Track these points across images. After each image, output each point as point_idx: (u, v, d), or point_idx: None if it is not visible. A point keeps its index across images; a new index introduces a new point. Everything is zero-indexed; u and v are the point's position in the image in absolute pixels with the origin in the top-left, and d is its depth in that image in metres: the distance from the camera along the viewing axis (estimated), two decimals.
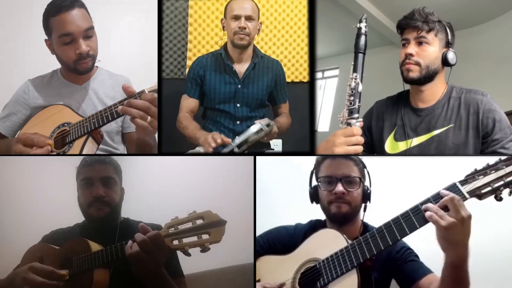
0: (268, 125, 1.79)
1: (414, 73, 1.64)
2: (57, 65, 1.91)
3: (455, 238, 1.18)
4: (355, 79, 1.54)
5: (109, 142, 1.90)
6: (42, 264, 1.42)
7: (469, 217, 1.19)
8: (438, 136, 1.65)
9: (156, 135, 1.79)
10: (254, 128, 1.79)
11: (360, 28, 1.55)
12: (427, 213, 1.22)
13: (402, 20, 1.67)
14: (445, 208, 1.21)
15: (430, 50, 1.64)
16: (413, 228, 1.26)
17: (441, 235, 1.20)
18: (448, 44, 1.66)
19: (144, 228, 1.34)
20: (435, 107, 1.68)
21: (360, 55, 1.55)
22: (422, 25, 1.62)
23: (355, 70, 1.55)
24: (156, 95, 1.56)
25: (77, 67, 1.82)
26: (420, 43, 1.63)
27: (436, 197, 1.26)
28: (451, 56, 1.65)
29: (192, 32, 2.17)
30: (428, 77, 1.65)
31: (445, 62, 1.65)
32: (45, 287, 1.38)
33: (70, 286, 1.41)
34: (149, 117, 1.53)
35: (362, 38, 1.55)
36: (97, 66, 1.95)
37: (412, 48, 1.63)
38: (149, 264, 1.29)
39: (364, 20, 1.55)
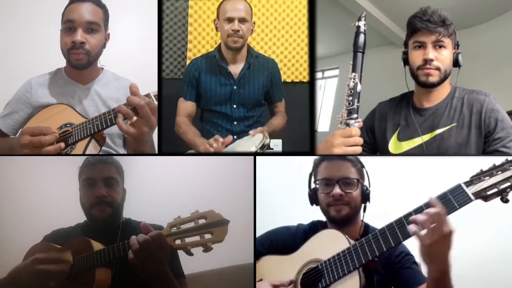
0: (262, 146, 1.77)
1: (434, 77, 1.63)
2: (60, 64, 1.90)
3: (436, 252, 1.19)
4: (354, 79, 1.53)
5: (111, 144, 1.88)
6: (44, 253, 1.41)
7: (451, 232, 1.18)
8: (441, 135, 1.64)
9: (156, 136, 1.79)
10: (251, 149, 1.75)
11: (359, 27, 1.53)
12: (411, 227, 1.21)
13: (418, 22, 1.62)
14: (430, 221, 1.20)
15: (446, 54, 1.62)
16: None
17: (423, 250, 1.20)
18: (456, 45, 1.66)
19: (146, 227, 1.34)
20: (438, 107, 1.68)
21: (359, 54, 1.53)
22: (442, 29, 1.59)
23: (354, 70, 1.53)
24: (143, 102, 1.54)
25: (69, 58, 1.81)
26: (438, 46, 1.61)
27: (428, 205, 1.25)
28: (460, 57, 1.65)
29: (192, 32, 2.17)
30: (444, 79, 1.65)
31: (455, 63, 1.65)
32: (53, 275, 1.38)
33: (72, 285, 1.40)
34: (134, 117, 1.54)
35: (361, 37, 1.52)
36: (102, 68, 1.94)
37: (432, 53, 1.61)
38: (152, 265, 1.29)
39: (363, 19, 1.53)
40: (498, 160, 1.26)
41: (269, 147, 1.83)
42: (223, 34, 1.93)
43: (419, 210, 1.26)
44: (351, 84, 1.53)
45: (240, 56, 1.97)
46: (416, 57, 1.65)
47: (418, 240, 1.20)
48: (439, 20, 1.59)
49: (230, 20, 1.90)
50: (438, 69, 1.62)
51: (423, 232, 1.18)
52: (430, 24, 1.59)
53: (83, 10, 1.79)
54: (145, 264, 1.28)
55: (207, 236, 1.31)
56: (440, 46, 1.61)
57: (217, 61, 1.96)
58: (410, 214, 1.27)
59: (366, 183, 1.49)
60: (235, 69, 1.98)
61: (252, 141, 1.81)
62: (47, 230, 1.62)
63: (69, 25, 1.78)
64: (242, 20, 1.90)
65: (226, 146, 1.78)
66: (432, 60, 1.61)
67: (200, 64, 1.99)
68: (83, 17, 1.78)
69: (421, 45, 1.63)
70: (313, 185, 1.54)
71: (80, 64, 1.82)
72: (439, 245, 1.17)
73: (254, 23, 1.99)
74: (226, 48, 1.95)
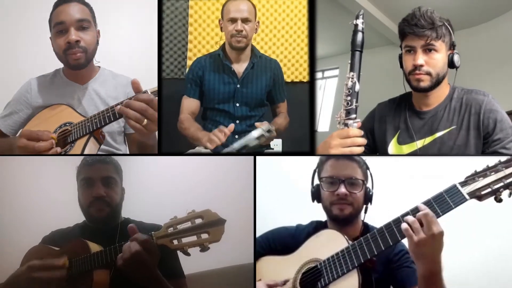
0: (269, 131, 1.77)
1: (425, 82, 1.59)
2: (59, 64, 1.91)
3: (425, 253, 1.21)
4: (352, 78, 1.51)
5: (111, 142, 1.89)
6: (39, 260, 1.42)
7: (441, 233, 1.20)
8: (441, 138, 1.63)
9: (156, 135, 1.79)
10: (255, 134, 1.75)
11: (356, 25, 1.51)
12: (403, 225, 1.24)
13: (406, 27, 1.58)
14: (420, 223, 1.23)
15: (438, 57, 1.58)
16: None
17: (412, 249, 1.23)
18: (452, 46, 1.61)
19: (133, 229, 1.34)
20: (438, 109, 1.65)
21: (357, 53, 1.51)
22: (430, 33, 1.54)
23: (352, 69, 1.52)
24: (152, 96, 1.54)
25: (67, 59, 1.81)
26: (428, 50, 1.57)
27: (414, 211, 1.27)
28: (456, 58, 1.60)
29: (192, 32, 2.17)
30: (437, 83, 1.61)
31: (451, 64, 1.61)
32: (51, 282, 1.38)
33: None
34: (145, 120, 1.53)
35: (359, 35, 1.50)
36: (99, 66, 1.94)
37: (421, 58, 1.57)
38: (140, 271, 1.30)
39: (361, 17, 1.51)
40: (492, 161, 1.28)
41: (272, 134, 1.81)
42: (227, 34, 1.96)
43: (414, 211, 1.27)
44: (349, 83, 1.52)
45: (244, 55, 1.99)
46: (407, 62, 1.62)
47: (407, 237, 1.23)
48: (427, 23, 1.54)
49: (233, 20, 1.92)
50: (428, 74, 1.58)
51: (415, 225, 1.22)
52: (417, 29, 1.55)
53: (71, 9, 1.80)
54: (132, 270, 1.30)
55: (204, 236, 1.31)
56: (431, 50, 1.57)
57: (221, 59, 1.98)
58: (407, 213, 1.28)
59: (369, 184, 1.49)
60: (239, 68, 2.00)
61: (257, 130, 1.80)
62: (46, 230, 1.62)
63: (60, 28, 1.79)
64: (245, 20, 1.92)
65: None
66: (421, 66, 1.57)
67: (204, 63, 2.01)
68: (73, 16, 1.78)
69: (411, 50, 1.60)
70: (316, 182, 1.53)
71: (79, 64, 1.82)
72: (427, 244, 1.20)
73: (258, 22, 2.00)
74: (230, 48, 1.97)
